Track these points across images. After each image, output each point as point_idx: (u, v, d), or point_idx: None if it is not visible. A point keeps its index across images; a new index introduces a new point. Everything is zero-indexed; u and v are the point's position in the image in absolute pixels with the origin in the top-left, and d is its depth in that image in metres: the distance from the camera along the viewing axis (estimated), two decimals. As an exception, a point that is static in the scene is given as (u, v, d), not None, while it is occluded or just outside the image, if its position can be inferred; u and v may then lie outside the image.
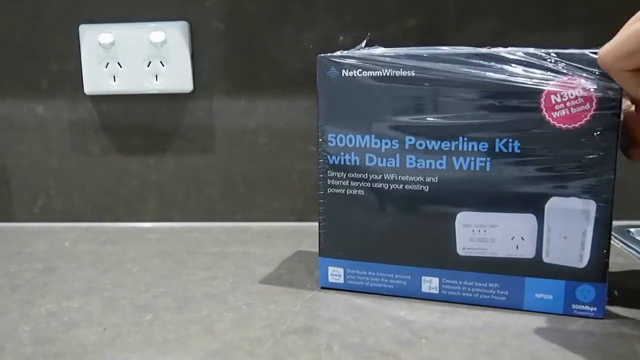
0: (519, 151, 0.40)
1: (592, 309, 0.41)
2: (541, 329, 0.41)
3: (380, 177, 0.44)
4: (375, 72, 0.42)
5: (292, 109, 0.66)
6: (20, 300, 0.47)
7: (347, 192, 0.45)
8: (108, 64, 0.64)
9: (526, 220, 0.41)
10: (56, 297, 0.48)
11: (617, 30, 0.35)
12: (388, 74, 0.42)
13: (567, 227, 0.40)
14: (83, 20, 0.65)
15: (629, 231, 0.60)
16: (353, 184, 0.45)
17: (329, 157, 0.45)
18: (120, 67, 0.64)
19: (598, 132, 0.39)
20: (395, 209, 0.44)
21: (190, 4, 0.64)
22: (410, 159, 0.43)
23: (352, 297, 0.46)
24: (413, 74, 0.41)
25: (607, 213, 0.40)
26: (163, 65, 0.64)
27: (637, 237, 0.59)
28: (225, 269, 0.53)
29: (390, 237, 0.45)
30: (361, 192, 0.45)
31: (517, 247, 0.42)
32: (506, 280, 0.43)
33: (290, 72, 0.65)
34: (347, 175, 0.45)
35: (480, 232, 0.42)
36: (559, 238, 0.41)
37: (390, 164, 0.43)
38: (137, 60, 0.64)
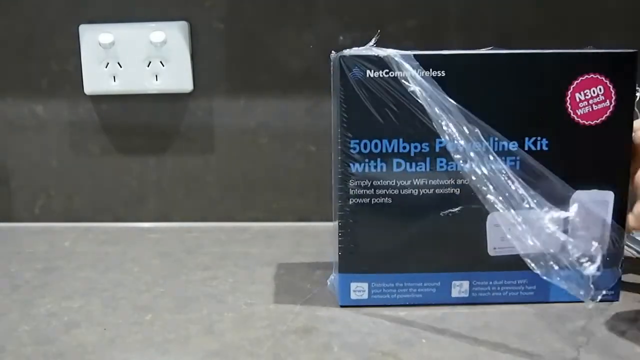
0: (547, 149, 0.41)
1: (610, 292, 0.44)
2: (541, 328, 0.41)
3: (409, 182, 0.42)
4: (404, 73, 0.40)
5: (292, 109, 0.66)
6: (20, 300, 0.47)
7: (373, 202, 0.42)
8: (108, 64, 0.64)
9: (553, 215, 0.41)
10: (56, 297, 0.48)
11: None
12: (418, 75, 0.40)
13: (589, 218, 0.42)
14: (83, 20, 0.65)
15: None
16: (379, 192, 0.42)
17: (351, 165, 0.42)
18: (120, 67, 0.64)
19: (616, 127, 0.41)
20: (425, 214, 0.43)
21: (190, 4, 0.64)
22: (441, 162, 0.42)
23: (352, 297, 0.46)
24: (443, 75, 0.40)
25: (622, 202, 0.42)
26: (163, 65, 0.64)
27: (637, 237, 0.59)
28: (225, 269, 0.53)
29: (419, 244, 0.43)
30: (388, 199, 0.42)
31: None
32: (534, 275, 0.41)
33: (290, 72, 0.65)
34: (372, 183, 0.42)
35: (510, 231, 0.42)
36: (582, 229, 0.41)
37: (420, 168, 0.42)
38: (137, 60, 0.64)
